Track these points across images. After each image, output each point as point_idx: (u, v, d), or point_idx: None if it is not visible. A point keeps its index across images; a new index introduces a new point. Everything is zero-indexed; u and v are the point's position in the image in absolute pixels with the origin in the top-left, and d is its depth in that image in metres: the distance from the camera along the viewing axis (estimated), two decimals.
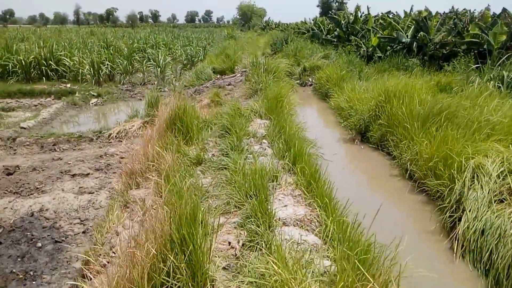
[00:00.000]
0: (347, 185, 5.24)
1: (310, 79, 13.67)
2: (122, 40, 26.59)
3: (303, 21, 32.23)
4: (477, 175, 4.07)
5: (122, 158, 7.19)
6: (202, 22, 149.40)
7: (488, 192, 3.89)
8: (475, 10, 17.31)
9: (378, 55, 15.22)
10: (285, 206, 3.48)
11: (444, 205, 4.34)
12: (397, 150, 6.07)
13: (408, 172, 5.49)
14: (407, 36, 15.07)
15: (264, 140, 5.48)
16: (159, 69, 14.84)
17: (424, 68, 13.78)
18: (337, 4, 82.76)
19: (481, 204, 3.79)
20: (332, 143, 7.44)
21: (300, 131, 6.50)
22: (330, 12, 62.73)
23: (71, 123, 10.07)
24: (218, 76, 14.74)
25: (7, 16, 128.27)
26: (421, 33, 14.02)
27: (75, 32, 41.56)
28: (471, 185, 3.98)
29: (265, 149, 5.20)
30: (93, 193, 5.74)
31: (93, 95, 12.96)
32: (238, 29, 66.18)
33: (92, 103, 12.28)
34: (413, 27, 14.98)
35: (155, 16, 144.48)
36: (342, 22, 18.80)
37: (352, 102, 8.13)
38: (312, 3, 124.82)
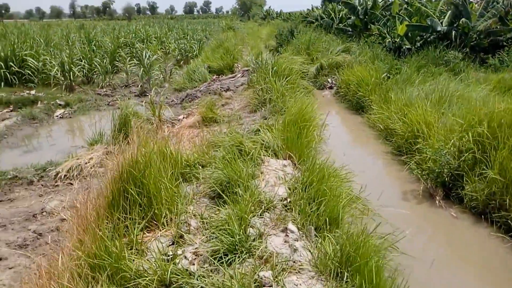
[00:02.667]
0: None
1: (329, 80, 11.04)
2: (112, 33, 23.83)
3: (310, 9, 29.44)
4: None
5: (63, 220, 4.72)
6: (200, 13, 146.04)
7: None
8: None
9: (407, 46, 12.62)
10: None
11: None
12: None
13: None
14: (442, 23, 12.46)
15: (290, 225, 2.96)
16: (142, 69, 12.25)
17: (466, 62, 11.21)
18: None
19: None
20: (398, 202, 4.73)
21: (348, 188, 3.89)
22: None
23: (17, 150, 7.57)
24: (215, 77, 12.19)
25: (2, 11, 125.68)
26: (462, 19, 11.38)
27: (66, 26, 38.84)
28: None
29: (295, 250, 2.68)
30: None
31: (60, 105, 10.44)
32: (237, 19, 63.38)
33: (57, 116, 9.78)
34: (449, 12, 12.36)
35: (152, 8, 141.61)
36: (359, 8, 16.11)
37: (416, 126, 5.49)
38: None
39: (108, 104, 11.14)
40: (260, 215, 3.12)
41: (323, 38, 14.89)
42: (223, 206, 3.38)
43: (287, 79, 7.46)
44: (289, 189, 3.60)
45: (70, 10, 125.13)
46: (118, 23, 49.07)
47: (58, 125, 9.28)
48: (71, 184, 5.67)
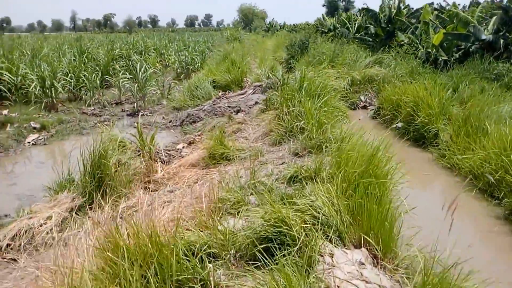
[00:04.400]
0: None
1: (362, 98, 9.21)
2: (108, 45, 22.09)
3: (320, 18, 27.83)
4: None
5: None
6: (201, 26, 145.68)
7: None
8: None
9: (443, 58, 10.85)
10: None
11: None
12: None
13: None
14: (485, 31, 10.73)
15: None
16: (136, 85, 10.48)
17: None
18: (344, 3, 78.71)
19: None
20: None
21: None
22: (339, 11, 58.45)
23: None
24: (221, 93, 10.41)
25: (4, 24, 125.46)
26: None
27: (62, 38, 37.32)
28: None
29: None
30: None
31: (34, 128, 8.64)
32: (240, 30, 62.21)
33: (29, 142, 7.98)
34: (494, 18, 10.64)
35: (153, 21, 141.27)
36: (381, 15, 14.42)
37: None
38: (315, 3, 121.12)
39: (94, 126, 9.34)
40: None
41: (348, 48, 13.04)
42: None
43: (322, 99, 5.57)
44: None
45: (71, 23, 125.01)
46: (118, 35, 47.68)
47: (28, 155, 7.46)
48: (15, 260, 3.79)
